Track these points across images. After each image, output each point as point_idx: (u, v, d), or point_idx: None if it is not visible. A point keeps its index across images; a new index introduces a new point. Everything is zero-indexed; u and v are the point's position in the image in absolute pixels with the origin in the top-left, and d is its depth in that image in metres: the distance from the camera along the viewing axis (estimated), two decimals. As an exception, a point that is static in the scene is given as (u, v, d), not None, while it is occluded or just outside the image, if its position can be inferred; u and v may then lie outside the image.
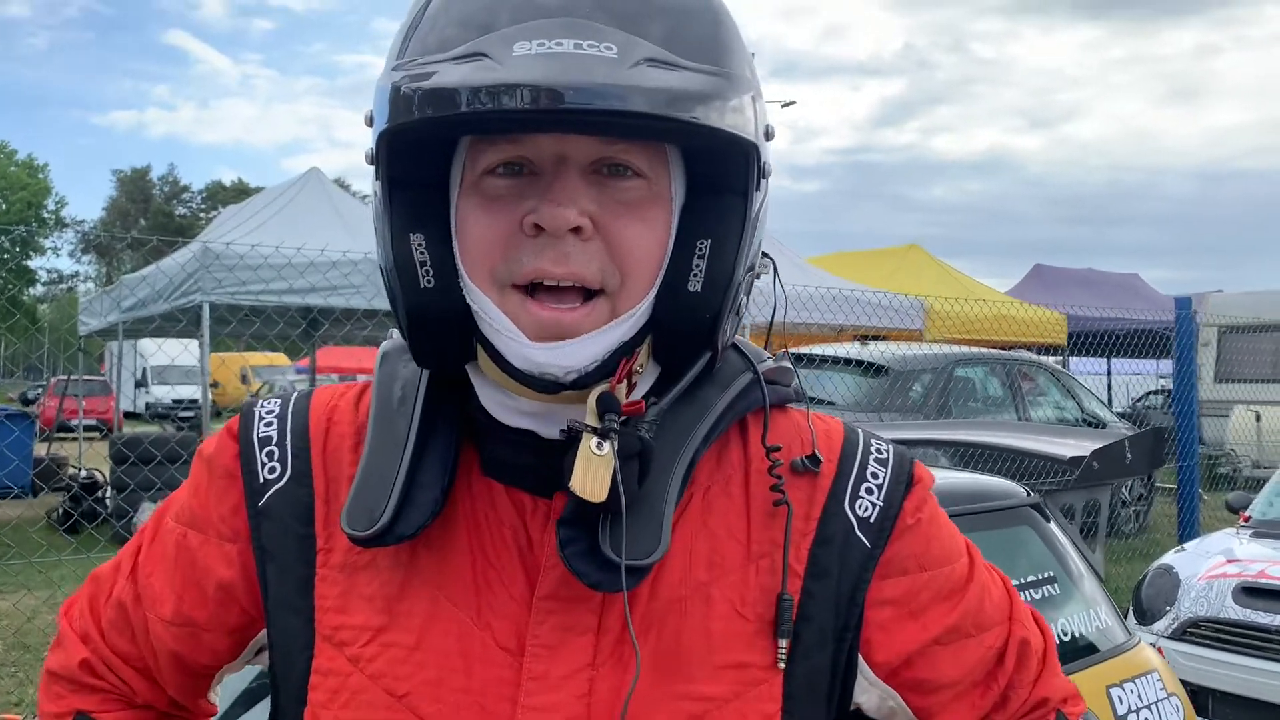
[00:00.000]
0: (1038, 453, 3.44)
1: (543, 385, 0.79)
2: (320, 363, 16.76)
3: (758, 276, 0.89)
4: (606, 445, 0.78)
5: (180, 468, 6.75)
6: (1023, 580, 2.67)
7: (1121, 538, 8.34)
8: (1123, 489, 8.25)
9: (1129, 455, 3.36)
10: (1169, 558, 5.16)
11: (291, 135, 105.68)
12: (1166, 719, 2.63)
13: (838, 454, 0.92)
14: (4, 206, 45.14)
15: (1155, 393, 16.76)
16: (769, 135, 0.83)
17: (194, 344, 9.87)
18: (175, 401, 23.41)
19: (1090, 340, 11.42)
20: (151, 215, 58.09)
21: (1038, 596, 2.67)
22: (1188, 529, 6.77)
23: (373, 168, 0.81)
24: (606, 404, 0.79)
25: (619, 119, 0.72)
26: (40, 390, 18.46)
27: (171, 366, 21.67)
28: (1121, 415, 10.34)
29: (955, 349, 8.39)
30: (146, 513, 7.56)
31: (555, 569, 0.82)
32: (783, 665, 0.83)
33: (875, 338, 8.77)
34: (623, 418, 0.80)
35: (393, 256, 0.81)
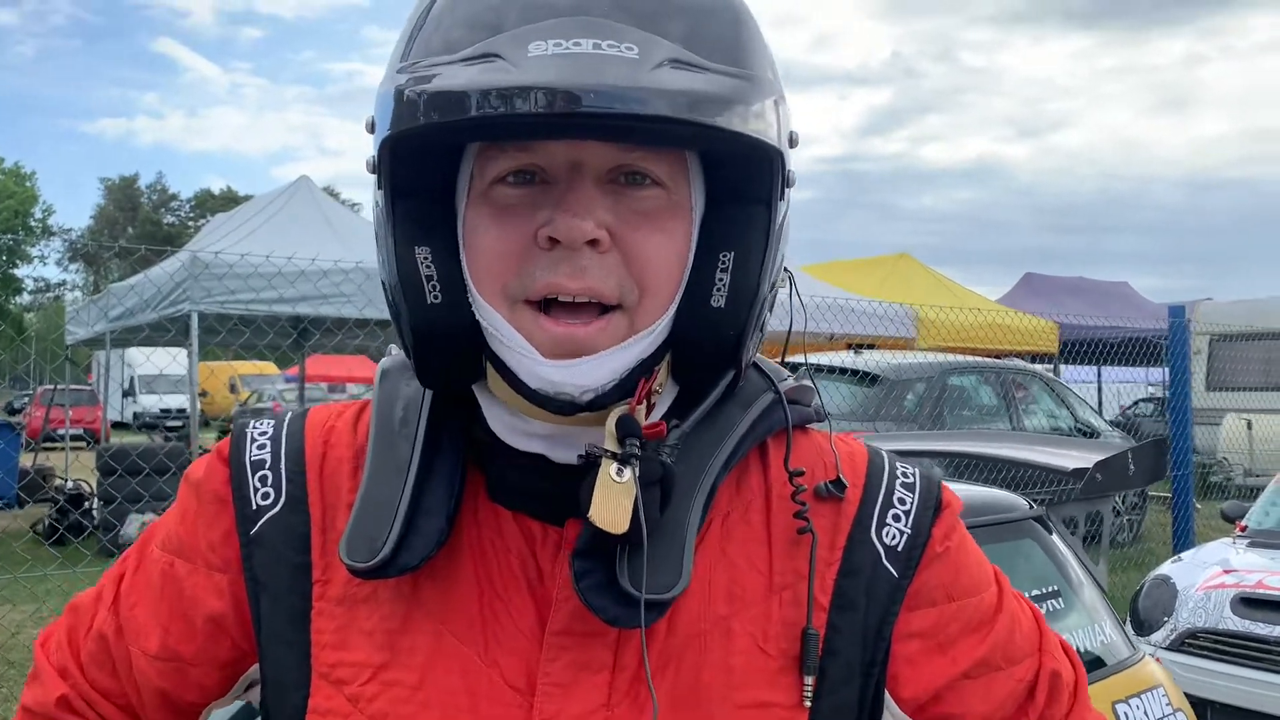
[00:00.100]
0: (1040, 464, 3.41)
1: (557, 406, 0.75)
2: (309, 371, 16.68)
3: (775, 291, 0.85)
4: (627, 472, 0.73)
5: (169, 480, 6.68)
6: (1026, 594, 2.63)
7: (1116, 547, 8.31)
8: (1116, 498, 8.23)
9: (1132, 466, 3.33)
10: (1166, 568, 5.14)
11: (281, 143, 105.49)
12: (1173, 735, 2.59)
13: (862, 478, 0.88)
14: (-10, 215, 44.88)
15: (1145, 400, 16.82)
16: (793, 142, 0.78)
17: (182, 353, 9.79)
18: (163, 411, 23.26)
19: (1081, 349, 11.41)
20: (139, 223, 57.83)
21: (1041, 610, 2.63)
22: (1183, 539, 6.75)
23: (374, 176, 0.77)
24: (627, 427, 0.75)
25: (639, 124, 0.67)
26: (26, 400, 18.32)
27: (159, 376, 21.56)
28: (1112, 423, 10.35)
29: (948, 358, 8.37)
30: (133, 525, 7.49)
31: (568, 602, 0.78)
32: (809, 704, 0.79)
33: (867, 346, 8.73)
34: (643, 441, 0.75)
35: (397, 270, 0.76)
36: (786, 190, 0.79)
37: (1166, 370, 7.26)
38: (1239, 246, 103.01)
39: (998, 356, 10.41)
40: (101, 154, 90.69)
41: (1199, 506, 7.42)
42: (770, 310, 0.82)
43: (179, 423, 19.84)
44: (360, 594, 0.81)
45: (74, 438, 13.62)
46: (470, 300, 0.76)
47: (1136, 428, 12.96)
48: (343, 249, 7.91)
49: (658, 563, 0.74)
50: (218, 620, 0.86)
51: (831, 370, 7.20)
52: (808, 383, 0.92)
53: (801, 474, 0.84)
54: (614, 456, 0.74)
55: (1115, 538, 5.61)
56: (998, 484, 4.52)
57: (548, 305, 0.74)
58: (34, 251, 51.01)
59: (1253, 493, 9.35)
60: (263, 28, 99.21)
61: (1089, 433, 8.65)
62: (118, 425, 22.13)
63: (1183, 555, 5.43)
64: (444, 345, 0.77)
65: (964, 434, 5.52)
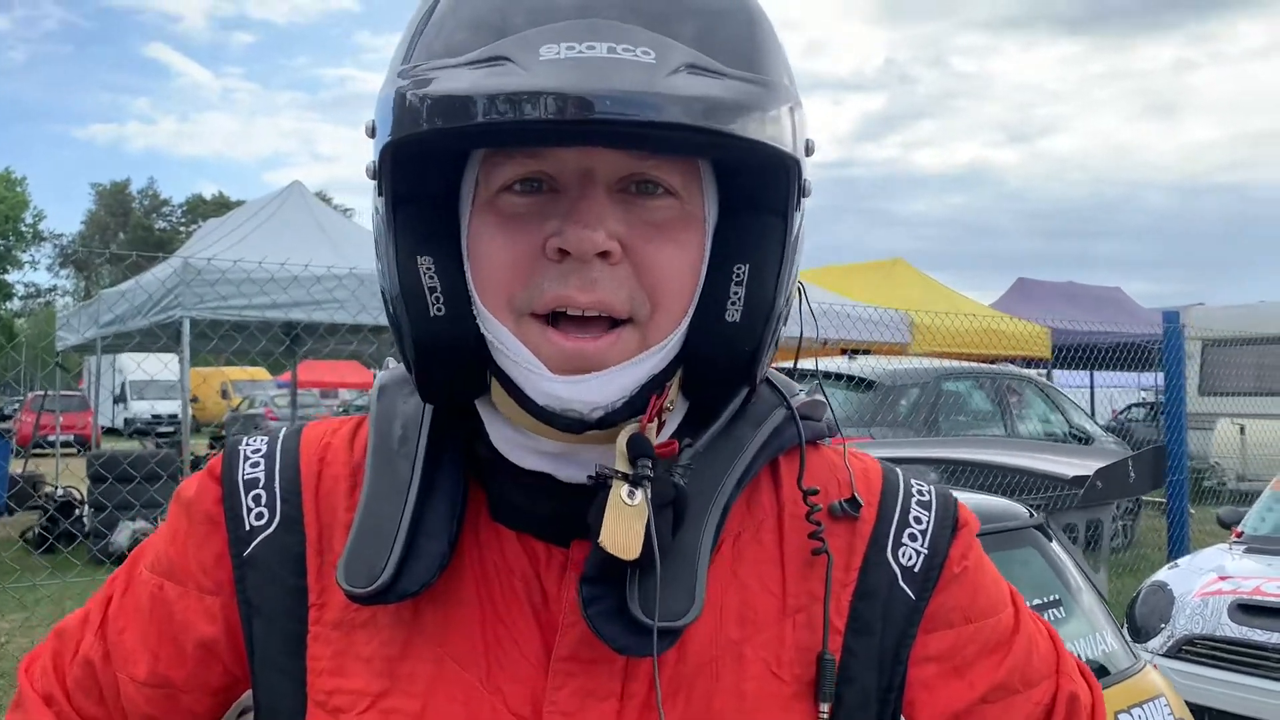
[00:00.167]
0: (1040, 471, 3.39)
1: (565, 424, 0.72)
2: (301, 377, 16.62)
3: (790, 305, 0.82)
4: (639, 494, 0.70)
5: (160, 488, 6.63)
6: (1027, 603, 2.60)
7: (1110, 553, 8.31)
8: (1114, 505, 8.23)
9: (1132, 474, 3.31)
10: (1163, 574, 5.12)
11: (273, 149, 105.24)
12: (1175, 746, 2.57)
13: (877, 496, 0.85)
14: (-19, 220, 44.74)
15: (1137, 405, 16.85)
16: (809, 150, 0.76)
17: (173, 360, 9.74)
18: (155, 417, 23.17)
19: (1074, 354, 11.44)
20: (131, 229, 57.69)
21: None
22: (1177, 544, 6.74)
23: (374, 182, 0.74)
24: (639, 447, 0.72)
25: (654, 131, 0.64)
26: (16, 406, 18.23)
27: (150, 382, 21.47)
28: (1105, 428, 10.35)
29: (942, 363, 8.36)
30: (124, 533, 7.43)
31: (575, 627, 0.75)
32: None
33: (861, 352, 8.72)
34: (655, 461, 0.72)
35: (399, 282, 0.73)
36: (803, 200, 0.76)
37: (1158, 375, 7.27)
38: (1229, 251, 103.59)
39: (991, 361, 10.41)
40: (93, 159, 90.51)
41: (1193, 511, 7.42)
42: (784, 324, 0.79)
43: (171, 429, 19.78)
44: (358, 619, 0.78)
45: (64, 444, 13.55)
46: (475, 313, 0.74)
47: (1129, 432, 12.98)
48: (335, 254, 7.89)
49: (669, 588, 0.72)
50: (209, 645, 0.82)
51: (827, 376, 7.18)
52: (819, 397, 0.89)
53: (816, 493, 0.82)
54: (625, 478, 0.71)
55: (1099, 539, 5.57)
56: (993, 491, 4.51)
57: (555, 318, 0.72)
58: (25, 257, 50.80)
59: (1246, 498, 9.37)
60: (255, 33, 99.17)
61: (1083, 438, 8.64)
62: (109, 431, 22.05)
63: (1179, 561, 5.42)
64: (447, 359, 0.74)
65: (963, 441, 5.51)
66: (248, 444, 0.87)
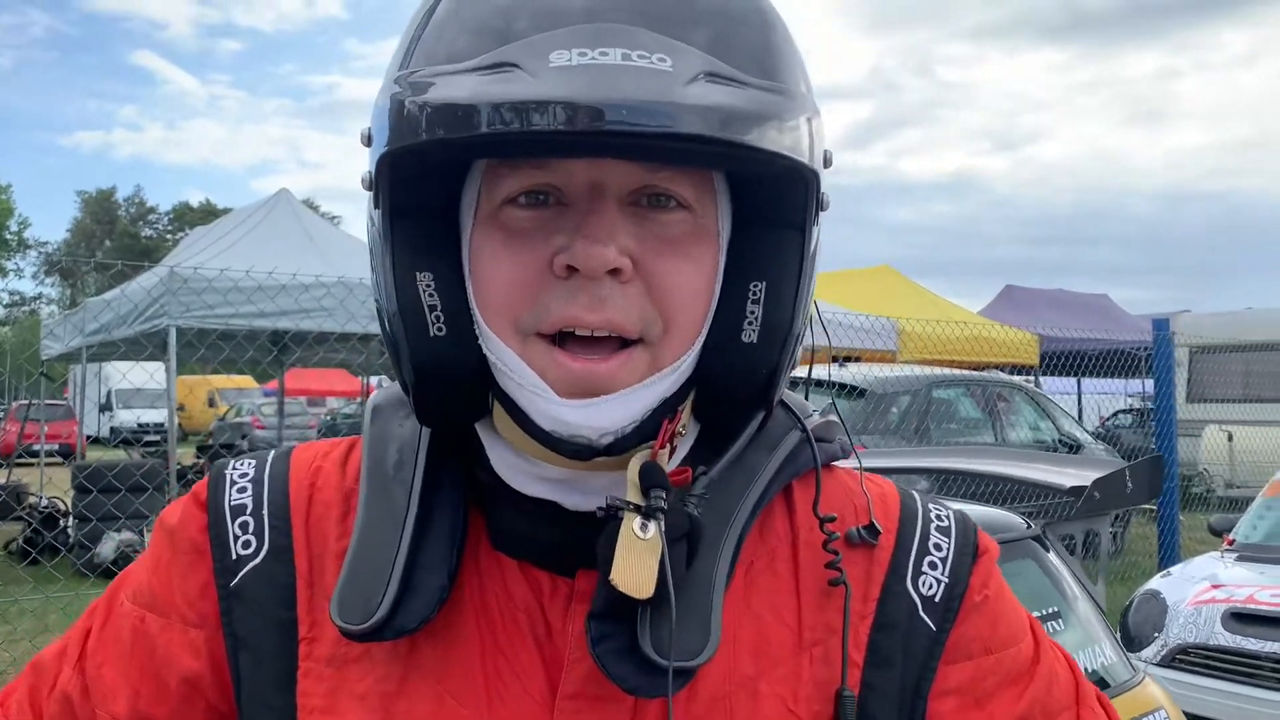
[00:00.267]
0: (1038, 482, 3.36)
1: (573, 450, 0.68)
2: (289, 385, 16.54)
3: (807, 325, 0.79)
4: (652, 527, 0.67)
5: (146, 500, 6.56)
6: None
7: (1094, 557, 8.33)
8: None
9: (1129, 484, 3.29)
10: (1155, 583, 5.11)
11: (260, 156, 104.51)
12: (1175, 759, 2.54)
13: (896, 523, 0.81)
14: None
15: (1124, 411, 16.89)
16: (827, 161, 0.72)
17: (159, 370, 9.68)
18: (141, 426, 23.01)
19: (1062, 360, 11.45)
20: (117, 236, 57.37)
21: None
22: (1168, 552, 6.74)
23: (370, 194, 0.70)
24: (652, 477, 0.68)
25: (668, 142, 0.61)
26: (0, 415, 18.06)
27: (136, 391, 21.34)
28: (1093, 435, 10.36)
29: (932, 371, 8.35)
30: (109, 544, 7.35)
31: (581, 663, 0.71)
32: None
33: (850, 359, 8.71)
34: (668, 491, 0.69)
35: (397, 299, 0.69)
36: (820, 214, 0.73)
37: (1146, 382, 7.28)
38: (1214, 258, 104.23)
39: (979, 369, 10.42)
40: (79, 167, 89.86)
41: (1182, 519, 7.42)
42: (801, 345, 0.76)
43: (157, 438, 19.65)
44: (352, 654, 0.74)
45: (49, 454, 13.43)
46: (477, 332, 0.70)
47: (1116, 439, 12.99)
48: (323, 262, 7.84)
49: (683, 624, 0.68)
50: (193, 681, 0.78)
51: (818, 384, 7.16)
52: (833, 418, 0.86)
53: (833, 520, 0.78)
54: (637, 509, 0.67)
55: (1094, 546, 5.56)
56: (985, 500, 4.48)
57: (562, 339, 0.68)
58: (9, 265, 50.49)
59: (1234, 505, 9.39)
60: (242, 40, 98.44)
61: (1073, 445, 8.64)
62: (95, 441, 21.89)
63: (1171, 570, 5.41)
64: (448, 381, 0.71)
65: (959, 450, 5.50)
66: (234, 468, 0.83)
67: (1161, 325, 6.87)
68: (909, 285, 15.24)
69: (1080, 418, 13.41)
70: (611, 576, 0.65)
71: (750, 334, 0.70)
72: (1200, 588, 4.83)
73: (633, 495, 0.68)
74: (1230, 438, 11.10)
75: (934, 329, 9.33)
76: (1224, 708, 4.32)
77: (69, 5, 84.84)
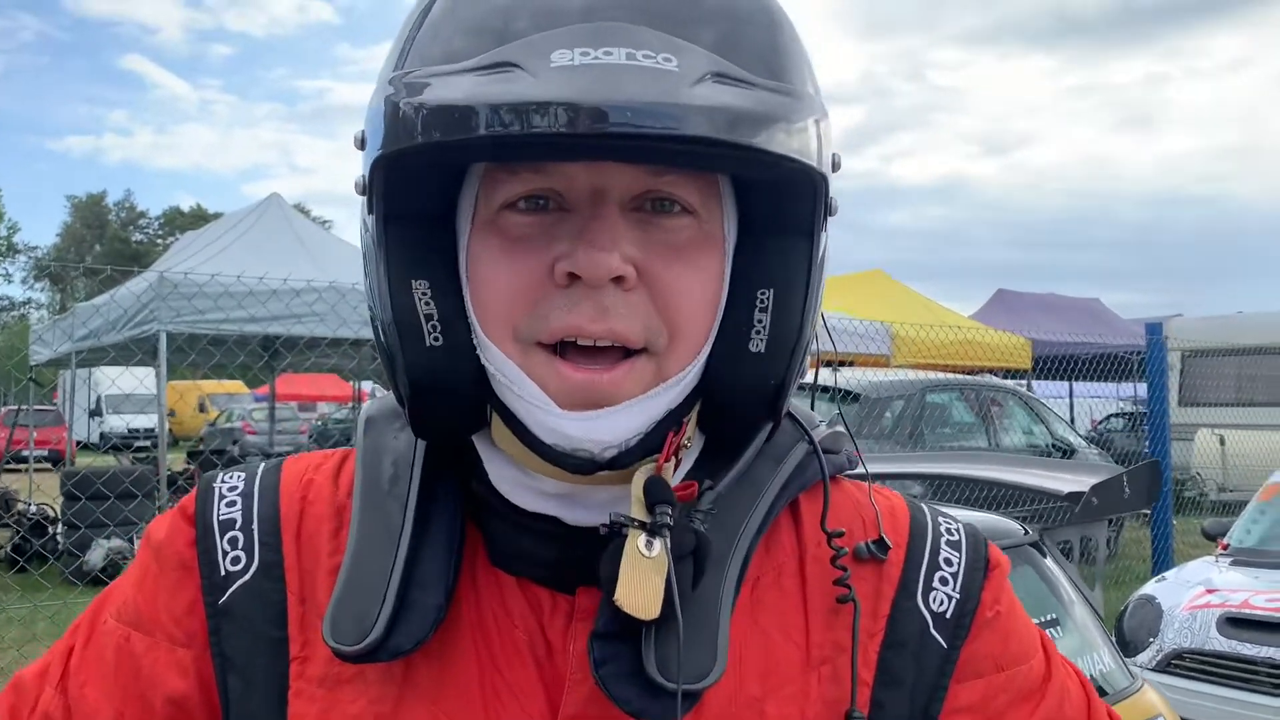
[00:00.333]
0: (1034, 487, 3.34)
1: (575, 464, 0.66)
2: (280, 390, 16.49)
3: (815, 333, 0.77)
4: (657, 544, 0.64)
5: (136, 508, 6.51)
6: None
7: (1093, 565, 8.34)
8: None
9: (1127, 490, 3.28)
10: (1150, 588, 5.10)
11: (251, 161, 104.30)
12: (1175, 768, 2.52)
13: (905, 537, 0.79)
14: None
15: (1116, 415, 16.93)
16: (835, 165, 0.70)
17: (149, 376, 9.64)
18: (131, 431, 22.90)
19: (1054, 364, 11.48)
20: (107, 241, 57.20)
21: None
22: (1162, 556, 6.73)
23: (364, 198, 0.68)
24: (657, 492, 0.66)
25: (674, 145, 0.59)
26: (-11, 421, 17.96)
27: (127, 396, 21.25)
28: (1086, 439, 10.37)
29: (925, 375, 8.35)
30: (99, 552, 7.29)
31: (583, 684, 0.69)
32: None
33: (843, 363, 8.70)
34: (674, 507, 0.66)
35: (391, 307, 0.67)
36: (828, 219, 0.71)
37: (1137, 386, 7.29)
38: (1204, 262, 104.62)
39: (971, 373, 10.42)
40: (69, 171, 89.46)
41: (1175, 522, 7.42)
42: (809, 355, 0.73)
43: (148, 443, 19.56)
44: (345, 674, 0.71)
45: (38, 459, 13.36)
46: (474, 342, 0.68)
47: (1109, 443, 13.01)
48: (314, 267, 7.82)
49: (689, 645, 0.66)
50: (179, 702, 0.75)
51: (814, 388, 7.14)
52: (840, 428, 0.84)
53: (841, 534, 0.76)
54: (642, 526, 0.65)
55: (1089, 553, 5.56)
56: (978, 505, 4.47)
57: (563, 348, 0.66)
58: (-2, 269, 50.27)
59: (1227, 509, 9.39)
60: (233, 45, 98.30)
61: (1066, 450, 8.65)
62: (86, 446, 21.79)
63: (1166, 575, 5.40)
64: (445, 392, 0.68)
65: (956, 455, 5.48)
66: (223, 481, 0.81)
67: (1155, 329, 6.87)
68: (901, 289, 15.25)
69: (1072, 422, 13.43)
70: (616, 597, 0.63)
71: (758, 343, 0.68)
72: (1195, 592, 4.82)
73: (637, 511, 0.66)
74: (1222, 441, 11.11)
75: (927, 333, 9.33)
76: (1219, 713, 4.31)
77: (59, 9, 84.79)
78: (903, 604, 0.76)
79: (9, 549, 8.13)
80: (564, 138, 0.58)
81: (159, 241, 55.63)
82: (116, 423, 23.96)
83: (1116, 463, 9.07)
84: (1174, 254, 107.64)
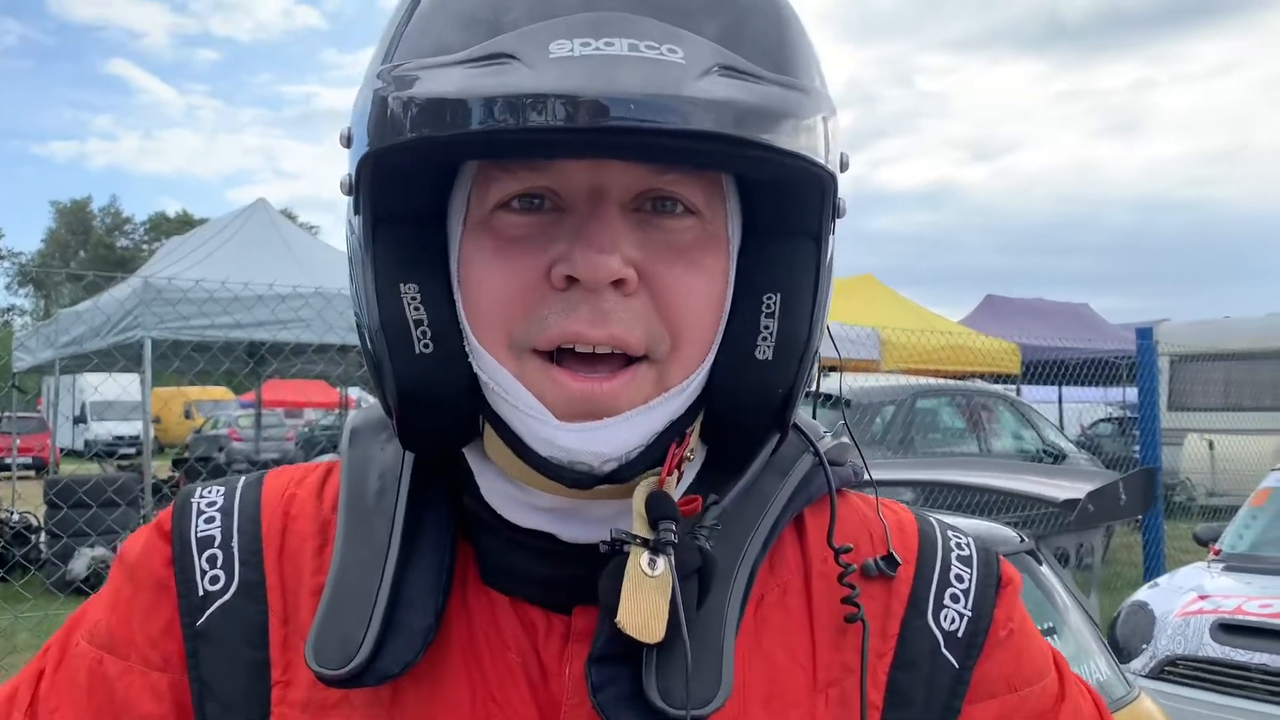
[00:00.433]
0: (1030, 494, 3.32)
1: (573, 478, 0.63)
2: (266, 397, 16.40)
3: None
4: (661, 563, 0.61)
5: (120, 516, 6.44)
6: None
7: (1087, 570, 8.35)
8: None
9: (1123, 496, 3.26)
10: (1143, 594, 5.09)
11: (237, 166, 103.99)
12: (1173, 777, 2.50)
13: (914, 552, 0.76)
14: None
15: (1105, 420, 16.99)
16: (844, 165, 0.67)
17: (134, 383, 9.57)
18: (116, 438, 22.76)
19: (1043, 369, 11.51)
20: (92, 247, 56.89)
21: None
22: (1154, 561, 6.73)
23: (350, 198, 0.65)
24: (660, 508, 0.62)
25: (679, 141, 0.56)
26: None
27: (111, 403, 21.13)
28: (1075, 444, 10.39)
29: (915, 380, 8.34)
30: (82, 560, 7.22)
31: (580, 709, 0.66)
32: None
33: (832, 369, 8.69)
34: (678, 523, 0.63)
35: (379, 312, 0.64)
36: (835, 221, 0.67)
37: (1126, 390, 7.29)
38: (1191, 267, 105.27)
39: (961, 378, 10.43)
40: (53, 176, 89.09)
41: (1164, 527, 7.43)
42: (816, 363, 0.70)
43: (133, 449, 19.44)
44: (329, 699, 0.68)
45: (22, 467, 13.25)
46: (467, 349, 0.64)
47: (1098, 448, 13.03)
48: (301, 272, 7.78)
49: (693, 669, 0.62)
50: None
51: (815, 395, 7.12)
52: (846, 439, 0.81)
53: (849, 550, 0.73)
54: (644, 543, 0.61)
55: (1084, 561, 5.55)
56: (968, 511, 4.45)
57: (561, 356, 0.62)
58: (-19, 275, 49.98)
59: (1216, 513, 9.41)
60: (219, 50, 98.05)
61: (1056, 455, 8.65)
62: (70, 453, 21.63)
63: (1159, 580, 5.39)
64: (435, 403, 0.65)
65: (950, 461, 5.47)
66: (201, 496, 0.77)
67: (1145, 334, 6.88)
68: (890, 295, 15.26)
69: (1061, 427, 13.47)
70: (618, 619, 0.60)
71: (765, 350, 0.65)
72: (1188, 599, 4.80)
73: (639, 528, 0.62)
74: (1211, 446, 11.14)
75: (916, 338, 9.33)
76: (1213, 720, 4.29)
77: (44, 14, 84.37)
78: (913, 623, 0.73)
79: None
80: (562, 133, 0.55)
81: (144, 247, 55.36)
82: (101, 430, 23.81)
83: (1106, 467, 9.08)
84: (1161, 259, 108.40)
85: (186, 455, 16.62)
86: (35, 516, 9.01)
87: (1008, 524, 3.35)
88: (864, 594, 0.72)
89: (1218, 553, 5.38)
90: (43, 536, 8.62)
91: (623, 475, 0.63)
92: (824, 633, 0.71)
